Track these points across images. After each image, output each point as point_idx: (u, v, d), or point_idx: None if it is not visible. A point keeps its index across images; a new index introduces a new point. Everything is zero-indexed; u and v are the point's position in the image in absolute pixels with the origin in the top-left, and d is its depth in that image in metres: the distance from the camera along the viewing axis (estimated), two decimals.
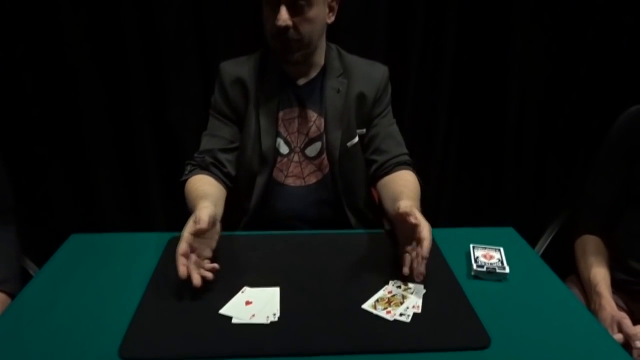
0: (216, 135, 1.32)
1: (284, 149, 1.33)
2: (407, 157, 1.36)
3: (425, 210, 1.06)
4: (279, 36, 1.17)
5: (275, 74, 1.30)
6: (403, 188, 1.19)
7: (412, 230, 0.98)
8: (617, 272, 1.33)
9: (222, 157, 1.31)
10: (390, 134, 1.38)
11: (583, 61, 1.91)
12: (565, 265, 1.40)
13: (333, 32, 1.33)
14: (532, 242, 1.42)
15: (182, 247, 0.94)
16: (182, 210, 1.36)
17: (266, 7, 1.18)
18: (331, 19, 1.27)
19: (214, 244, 1.06)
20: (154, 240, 1.18)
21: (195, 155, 1.32)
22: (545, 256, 1.38)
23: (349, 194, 1.38)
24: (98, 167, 1.87)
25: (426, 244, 0.95)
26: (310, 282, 1.02)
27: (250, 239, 1.21)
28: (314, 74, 1.32)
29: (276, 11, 1.15)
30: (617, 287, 1.33)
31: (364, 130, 1.36)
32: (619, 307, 1.31)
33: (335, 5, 1.26)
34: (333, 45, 1.36)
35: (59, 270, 1.09)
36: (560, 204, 1.58)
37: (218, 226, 1.08)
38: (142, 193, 1.91)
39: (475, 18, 1.83)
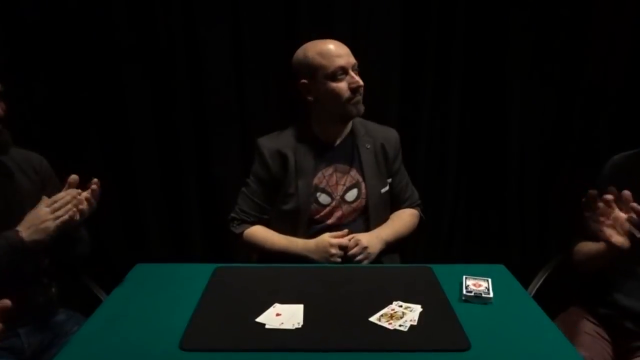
0: (255, 200, 1.64)
1: (325, 199, 1.61)
2: (416, 202, 1.77)
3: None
4: (355, 95, 1.52)
5: (311, 141, 1.60)
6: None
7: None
8: (601, 307, 1.51)
9: (262, 217, 1.65)
10: (402, 188, 1.74)
11: (577, 116, 2.16)
12: (556, 304, 1.59)
13: None
14: (528, 282, 1.63)
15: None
16: (219, 244, 1.64)
17: (334, 82, 1.50)
18: None
19: None
20: (202, 270, 1.44)
21: (239, 211, 1.64)
22: (538, 295, 1.58)
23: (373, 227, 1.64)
24: (148, 208, 2.18)
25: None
26: (328, 301, 1.26)
27: (281, 269, 1.46)
28: (344, 135, 1.64)
29: (347, 78, 1.50)
30: (600, 321, 1.51)
31: (390, 179, 1.69)
32: (603, 340, 1.48)
33: None
34: None
35: (128, 292, 1.36)
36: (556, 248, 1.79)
37: None
38: (186, 230, 2.21)
39: (477, 79, 2.13)
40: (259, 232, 1.64)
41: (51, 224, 1.22)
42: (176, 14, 1.99)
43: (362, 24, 2.03)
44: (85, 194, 1.28)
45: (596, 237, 1.28)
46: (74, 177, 1.28)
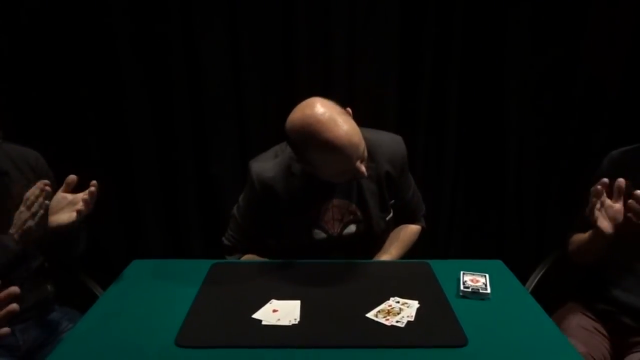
0: (245, 226, 1.53)
1: (319, 235, 1.50)
2: (420, 213, 1.68)
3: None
4: (354, 179, 1.38)
5: (307, 175, 1.41)
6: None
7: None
8: (599, 303, 1.51)
9: (253, 245, 1.56)
10: (408, 201, 1.62)
11: (575, 114, 2.16)
12: (554, 299, 1.58)
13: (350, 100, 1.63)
14: (525, 277, 1.62)
15: None
16: (216, 240, 1.65)
17: (336, 170, 1.30)
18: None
19: None
20: (199, 266, 1.44)
21: (230, 237, 1.55)
22: (536, 291, 1.58)
23: (377, 251, 1.60)
24: (147, 206, 2.18)
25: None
26: (325, 297, 1.25)
27: (278, 265, 1.46)
28: None
29: (351, 166, 1.28)
30: (598, 316, 1.51)
31: (393, 201, 1.55)
32: (601, 335, 1.48)
33: None
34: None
35: (125, 288, 1.35)
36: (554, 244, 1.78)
37: None
38: (183, 227, 2.20)
39: (475, 77, 2.12)
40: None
41: (32, 222, 1.21)
42: (174, 13, 1.97)
43: (359, 23, 2.02)
44: (83, 195, 1.26)
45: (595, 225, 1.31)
46: (72, 178, 1.28)
